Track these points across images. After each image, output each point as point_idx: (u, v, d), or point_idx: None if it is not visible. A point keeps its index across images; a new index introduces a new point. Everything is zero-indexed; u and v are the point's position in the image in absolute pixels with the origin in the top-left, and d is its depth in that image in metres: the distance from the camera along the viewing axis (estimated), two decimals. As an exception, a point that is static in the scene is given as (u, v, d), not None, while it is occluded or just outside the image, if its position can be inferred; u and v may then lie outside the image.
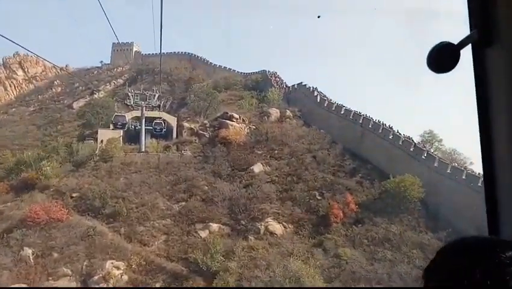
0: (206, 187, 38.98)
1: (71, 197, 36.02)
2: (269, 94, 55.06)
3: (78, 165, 42.47)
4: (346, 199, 35.05)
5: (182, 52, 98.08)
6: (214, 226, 35.12)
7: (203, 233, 34.68)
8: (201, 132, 46.84)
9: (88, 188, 36.59)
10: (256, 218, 35.28)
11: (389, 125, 44.08)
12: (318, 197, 37.15)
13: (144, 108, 46.00)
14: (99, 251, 30.93)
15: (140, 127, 47.94)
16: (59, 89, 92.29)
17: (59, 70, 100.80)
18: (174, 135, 53.30)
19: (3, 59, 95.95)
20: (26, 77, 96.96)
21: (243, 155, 43.03)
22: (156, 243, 33.76)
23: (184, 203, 37.39)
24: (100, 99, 79.60)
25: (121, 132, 56.04)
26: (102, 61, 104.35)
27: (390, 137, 40.78)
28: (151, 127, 53.08)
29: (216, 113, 52.21)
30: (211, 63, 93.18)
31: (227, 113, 48.08)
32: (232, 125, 46.16)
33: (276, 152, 43.38)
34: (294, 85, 56.24)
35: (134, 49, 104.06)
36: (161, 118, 55.19)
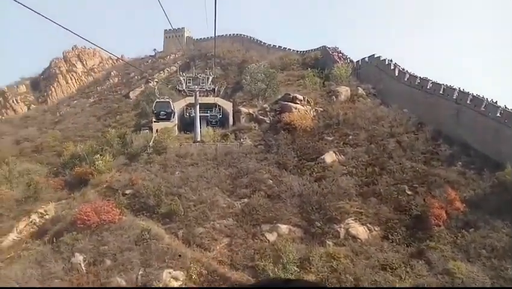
0: (271, 181, 33.63)
1: (124, 195, 32.48)
2: (335, 71, 48.04)
3: (131, 158, 39.10)
4: (448, 195, 27.69)
5: (234, 34, 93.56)
6: (283, 228, 29.74)
7: (271, 236, 29.46)
8: (261, 117, 41.38)
9: (142, 184, 32.78)
10: (334, 218, 29.29)
11: (492, 100, 35.41)
12: (409, 192, 30.21)
13: (197, 92, 41.35)
14: (155, 258, 26.94)
15: (194, 114, 43.54)
16: (116, 79, 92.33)
17: (115, 61, 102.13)
18: (231, 122, 48.61)
19: (63, 52, 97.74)
20: (85, 70, 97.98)
21: (311, 142, 36.94)
22: (217, 247, 29.15)
23: (246, 200, 32.40)
24: (154, 87, 77.88)
25: (176, 120, 52.67)
26: (155, 49, 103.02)
27: (498, 115, 32.35)
28: (206, 114, 48.89)
29: (276, 95, 46.44)
30: (264, 43, 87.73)
31: (289, 94, 42.01)
32: (296, 108, 40.08)
33: (350, 137, 36.74)
34: (364, 59, 48.51)
35: (186, 35, 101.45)
36: (216, 104, 50.77)
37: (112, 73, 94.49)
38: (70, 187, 37.08)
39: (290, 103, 40.59)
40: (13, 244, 30.79)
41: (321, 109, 41.14)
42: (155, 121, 41.24)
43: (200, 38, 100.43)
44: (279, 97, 43.64)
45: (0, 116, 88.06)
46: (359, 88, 42.95)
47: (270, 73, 48.77)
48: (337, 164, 33.89)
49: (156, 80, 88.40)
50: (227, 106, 51.85)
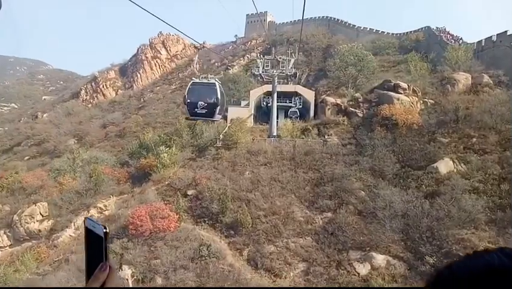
0: (363, 192, 25.95)
1: (186, 196, 27.62)
2: (448, 54, 37.63)
3: (200, 151, 34.33)
4: None
5: (319, 17, 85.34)
6: (380, 259, 22.07)
7: (362, 268, 22.04)
8: (351, 109, 33.39)
9: (206, 184, 27.59)
10: (453, 254, 20.77)
11: None
12: None
13: (276, 78, 34.68)
14: (212, 282, 21.52)
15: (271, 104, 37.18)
16: (197, 66, 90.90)
17: (197, 47, 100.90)
18: (312, 114, 41.31)
19: (149, 39, 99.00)
20: (169, 56, 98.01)
21: (418, 143, 28.13)
22: (291, 274, 22.65)
23: (330, 215, 25.28)
24: (233, 73, 73.86)
25: (252, 109, 47.02)
26: (236, 35, 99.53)
27: None
28: (285, 104, 42.30)
29: (370, 83, 37.87)
30: (353, 26, 77.93)
31: (389, 82, 33.19)
32: (398, 99, 31.26)
33: (474, 140, 27.08)
34: (490, 38, 37.14)
35: (268, 19, 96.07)
36: (296, 92, 43.86)
37: (194, 59, 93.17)
38: (133, 180, 33.55)
39: (390, 93, 31.93)
40: (69, 240, 27.93)
41: (431, 101, 31.72)
42: (188, 118, 27.87)
43: (283, 23, 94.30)
44: (376, 84, 35.08)
45: (92, 100, 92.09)
46: (484, 75, 32.47)
47: (363, 55, 40.13)
48: (456, 176, 24.76)
49: (236, 66, 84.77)
50: (309, 95, 44.49)
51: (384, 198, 24.40)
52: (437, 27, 56.41)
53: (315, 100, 43.39)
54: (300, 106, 44.54)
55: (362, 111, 32.96)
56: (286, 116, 41.35)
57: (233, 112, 47.09)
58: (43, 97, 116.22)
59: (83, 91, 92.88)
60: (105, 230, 0.90)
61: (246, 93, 52.30)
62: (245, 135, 32.74)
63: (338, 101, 35.08)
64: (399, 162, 27.47)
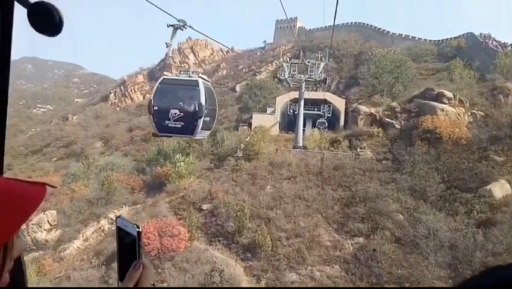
0: (402, 216, 22.30)
1: (200, 210, 24.90)
2: (501, 61, 33.29)
3: (219, 161, 31.66)
4: None
5: (351, 23, 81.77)
6: (422, 298, 18.49)
7: (400, 309, 18.53)
8: (387, 120, 29.74)
9: (223, 199, 24.79)
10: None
11: None
12: None
13: (303, 83, 31.44)
14: (223, 315, 18.65)
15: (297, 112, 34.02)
16: (224, 72, 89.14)
17: (225, 53, 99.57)
18: (342, 124, 37.82)
19: (178, 44, 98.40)
20: (197, 62, 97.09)
21: (467, 162, 24.14)
22: (315, 310, 19.48)
23: (362, 241, 21.79)
24: (260, 79, 71.45)
25: (278, 117, 44.04)
26: (265, 41, 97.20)
27: None
28: (313, 112, 39.04)
29: (408, 91, 34.04)
30: (387, 32, 73.78)
31: (432, 90, 29.30)
32: (442, 110, 27.41)
33: (536, 160, 22.98)
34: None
35: (298, 25, 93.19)
36: (325, 100, 40.50)
37: (221, 65, 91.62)
38: (148, 189, 31.24)
39: (432, 103, 28.06)
40: (76, 253, 25.86)
41: (481, 112, 27.60)
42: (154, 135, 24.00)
43: (313, 29, 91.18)
44: (415, 93, 31.25)
45: (120, 104, 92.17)
46: (544, 84, 28.10)
47: (401, 61, 36.29)
48: (515, 202, 20.81)
49: (263, 73, 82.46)
50: (339, 103, 40.97)
51: (427, 225, 20.69)
52: (481, 34, 51.75)
53: (345, 109, 39.92)
54: (330, 115, 41.09)
55: (400, 122, 29.21)
56: (314, 125, 38.01)
57: (257, 119, 44.29)
58: (76, 100, 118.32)
59: (112, 95, 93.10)
60: (138, 229, 0.90)
61: (273, 100, 49.59)
62: (268, 144, 29.72)
63: (372, 110, 31.46)
64: (444, 182, 23.59)
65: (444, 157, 24.72)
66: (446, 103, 27.69)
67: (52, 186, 0.78)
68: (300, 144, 30.60)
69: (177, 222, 23.31)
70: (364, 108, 32.01)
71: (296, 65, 31.04)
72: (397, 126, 29.07)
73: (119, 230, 0.98)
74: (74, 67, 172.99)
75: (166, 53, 8.98)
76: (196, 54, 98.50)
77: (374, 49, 57.32)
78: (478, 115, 27.37)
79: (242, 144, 30.53)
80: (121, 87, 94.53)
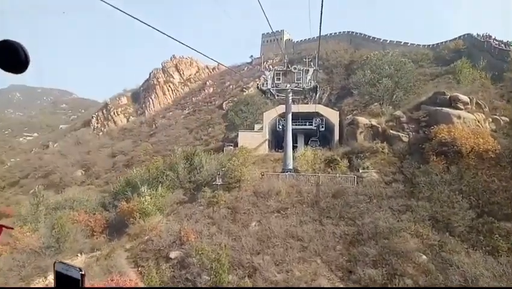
0: (425, 257, 16.92)
1: (168, 260, 19.30)
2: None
3: (193, 191, 26.19)
4: None
5: (339, 32, 78.21)
6: None
7: None
8: (392, 132, 24.58)
9: (195, 243, 19.24)
10: None
11: None
12: None
13: (289, 94, 26.14)
14: None
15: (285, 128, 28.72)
16: (211, 89, 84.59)
17: (211, 70, 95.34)
18: (337, 138, 32.82)
19: (161, 63, 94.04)
20: (182, 80, 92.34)
21: (498, 180, 19.03)
22: None
23: (376, 293, 16.41)
24: (246, 95, 66.83)
25: (266, 134, 39.08)
26: (252, 56, 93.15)
27: None
28: (304, 128, 34.04)
29: (413, 97, 29.11)
30: (378, 39, 70.28)
31: (443, 94, 24.16)
32: (459, 116, 22.37)
33: None
34: None
35: (285, 37, 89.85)
36: (317, 113, 35.59)
37: (207, 82, 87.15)
38: (111, 230, 25.45)
39: (445, 109, 23.01)
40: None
41: (505, 118, 22.62)
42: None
43: (301, 40, 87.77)
44: (423, 98, 26.24)
45: (103, 128, 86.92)
46: None
47: (401, 64, 31.45)
48: None
49: (251, 88, 77.99)
50: (333, 116, 36.07)
51: (461, 269, 15.28)
52: (478, 34, 48.08)
53: (340, 121, 35.00)
54: (323, 129, 36.07)
55: (408, 134, 24.03)
56: (307, 142, 32.86)
57: (244, 137, 39.42)
58: (60, 126, 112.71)
59: (94, 119, 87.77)
60: (81, 272, 0.88)
61: (261, 116, 44.83)
62: (252, 169, 24.24)
63: (373, 122, 26.27)
64: (473, 208, 18.28)
65: (469, 175, 19.48)
66: (461, 109, 22.66)
67: (9, 228, 0.66)
68: (290, 167, 25.15)
69: (138, 277, 17.64)
70: (363, 120, 26.83)
71: (280, 73, 25.96)
72: (405, 139, 23.88)
73: (58, 275, 0.89)
74: (63, 93, 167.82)
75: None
76: (181, 72, 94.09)
77: (366, 58, 53.16)
78: (502, 122, 22.32)
79: (220, 171, 25.03)
80: (104, 110, 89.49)
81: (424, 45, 59.35)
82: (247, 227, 20.14)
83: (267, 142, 38.86)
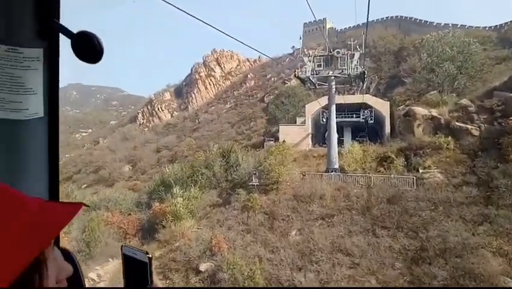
0: (514, 283, 13.21)
1: (197, 273, 17.00)
2: None
3: (230, 191, 23.75)
4: None
5: (387, 18, 72.45)
6: None
7: None
8: (459, 124, 20.37)
9: (227, 255, 16.77)
10: None
11: None
12: None
13: (333, 82, 22.47)
14: None
15: (328, 121, 25.27)
16: (252, 82, 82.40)
17: (252, 63, 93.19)
18: (388, 131, 28.87)
19: (203, 57, 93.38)
20: (223, 74, 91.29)
21: None
22: None
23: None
24: (287, 87, 63.55)
25: (309, 128, 35.95)
26: (293, 46, 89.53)
27: None
28: (350, 120, 30.45)
29: (481, 83, 24.42)
30: (430, 23, 63.91)
31: (526, 77, 19.70)
32: (549, 104, 17.83)
33: None
34: None
35: (328, 26, 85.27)
36: (364, 104, 31.72)
37: (249, 75, 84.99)
38: (145, 233, 23.81)
39: (529, 95, 18.53)
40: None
41: None
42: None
43: (345, 28, 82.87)
44: (496, 84, 21.64)
45: (148, 123, 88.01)
46: None
47: (464, 45, 26.63)
48: None
49: (293, 80, 74.51)
50: (383, 107, 31.96)
51: None
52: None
53: (391, 113, 30.91)
54: (372, 122, 32.14)
55: (479, 126, 19.73)
56: (354, 137, 29.24)
57: (285, 132, 36.63)
58: (111, 122, 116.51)
59: (140, 115, 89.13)
60: (148, 255, 0.89)
61: (303, 109, 41.72)
62: (290, 169, 21.23)
63: (434, 113, 22.09)
64: None
65: None
66: (552, 94, 18.01)
67: (87, 206, 0.81)
68: (336, 166, 21.79)
69: (163, 294, 15.53)
70: (421, 110, 22.68)
71: (322, 60, 22.43)
72: (475, 133, 19.59)
73: (127, 258, 0.91)
74: (115, 90, 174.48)
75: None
76: (222, 66, 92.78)
77: (418, 44, 47.85)
78: None
79: (258, 169, 22.31)
80: (149, 106, 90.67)
81: (485, 27, 52.57)
82: (287, 237, 17.29)
83: (310, 136, 35.75)
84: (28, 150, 0.92)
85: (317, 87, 23.88)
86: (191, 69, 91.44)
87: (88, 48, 0.79)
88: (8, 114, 0.86)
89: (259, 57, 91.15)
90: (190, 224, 20.49)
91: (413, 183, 18.22)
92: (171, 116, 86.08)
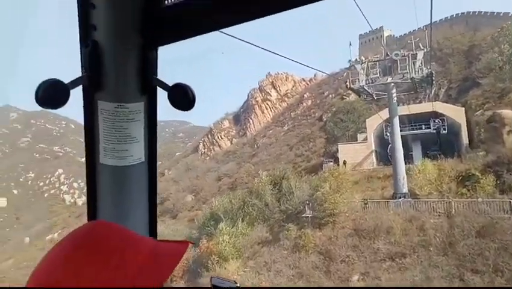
0: None
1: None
2: None
3: (283, 222, 21.06)
4: None
5: (451, 16, 66.21)
6: None
7: None
8: None
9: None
10: None
11: None
12: None
13: (393, 91, 18.79)
14: None
15: (391, 135, 21.59)
16: (309, 102, 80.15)
17: (308, 82, 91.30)
18: (465, 142, 24.23)
19: (258, 82, 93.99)
20: (279, 96, 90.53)
21: None
22: None
23: None
24: (345, 102, 59.86)
25: (372, 145, 32.44)
26: (350, 60, 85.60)
27: None
28: (419, 132, 26.38)
29: None
30: (505, 14, 56.28)
31: None
32: None
33: None
34: None
35: (385, 34, 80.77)
36: (434, 113, 27.36)
37: (305, 95, 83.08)
38: (191, 275, 21.95)
39: None
40: None
41: None
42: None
43: (404, 34, 77.46)
44: None
45: (209, 152, 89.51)
46: None
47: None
48: None
49: (352, 95, 70.49)
50: (457, 114, 27.39)
51: None
52: None
53: (466, 120, 26.21)
54: (445, 132, 27.54)
55: None
56: (425, 152, 25.05)
57: (345, 151, 33.58)
58: (176, 153, 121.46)
59: (201, 144, 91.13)
60: (236, 284, 0.98)
61: (364, 124, 38.19)
62: (348, 197, 17.95)
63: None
64: None
65: None
66: None
67: (192, 243, 0.86)
68: (405, 190, 17.97)
69: None
70: (510, 113, 18.14)
71: (377, 64, 19.14)
72: None
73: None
74: (181, 123, 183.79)
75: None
76: (278, 89, 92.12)
77: (490, 39, 41.76)
78: None
79: (311, 199, 19.39)
80: (209, 135, 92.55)
81: None
82: (347, 283, 14.01)
83: (373, 154, 32.04)
84: (131, 191, 1.02)
85: (375, 97, 20.52)
86: (248, 95, 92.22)
87: (183, 98, 0.87)
88: (117, 161, 0.97)
89: (314, 75, 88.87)
90: (236, 267, 18.18)
91: (510, 209, 13.92)
92: (231, 143, 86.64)
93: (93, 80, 0.91)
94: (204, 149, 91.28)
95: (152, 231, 1.13)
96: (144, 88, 0.95)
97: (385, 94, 20.14)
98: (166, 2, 0.89)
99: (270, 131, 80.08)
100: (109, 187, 1.00)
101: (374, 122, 33.33)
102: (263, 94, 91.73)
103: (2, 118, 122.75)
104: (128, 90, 0.95)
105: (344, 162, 31.75)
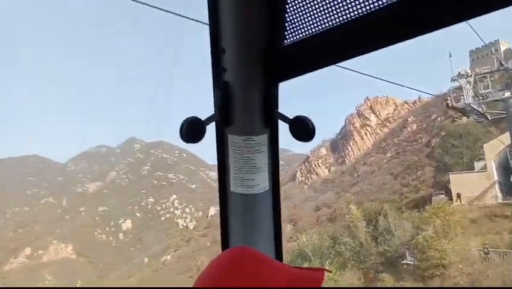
0: None
1: None
2: None
3: (380, 268, 18.05)
4: None
5: None
6: None
7: None
8: None
9: None
10: None
11: None
12: None
13: None
14: None
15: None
16: (414, 126, 73.26)
17: (411, 105, 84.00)
18: None
19: (356, 107, 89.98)
20: (379, 121, 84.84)
21: None
22: None
23: None
24: (457, 125, 52.09)
25: (494, 174, 27.21)
26: (452, 77, 76.15)
27: None
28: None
29: None
30: None
31: None
32: None
33: None
34: None
35: (503, 48, 69.53)
36: None
37: (409, 119, 76.26)
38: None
39: None
40: None
41: None
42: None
43: (524, 47, 65.76)
44: None
45: (307, 180, 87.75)
46: None
47: None
48: None
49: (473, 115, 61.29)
50: None
51: None
52: None
53: None
54: None
55: None
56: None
57: (459, 181, 28.87)
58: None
59: (298, 173, 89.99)
60: None
61: (482, 150, 32.42)
62: (459, 242, 14.24)
63: None
64: None
65: None
66: None
67: (328, 271, 0.84)
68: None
69: None
70: None
71: (488, 76, 15.30)
72: None
73: None
74: (282, 151, 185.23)
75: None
76: (377, 113, 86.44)
77: None
78: None
79: (412, 242, 16.14)
80: (306, 163, 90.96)
81: None
82: None
83: (496, 185, 26.51)
84: (259, 217, 1.11)
85: (489, 117, 16.53)
86: (345, 121, 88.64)
87: (303, 130, 0.92)
88: (245, 190, 1.05)
89: (419, 97, 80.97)
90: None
91: None
92: (329, 171, 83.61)
93: (224, 117, 0.99)
94: (301, 177, 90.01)
95: (278, 256, 1.15)
96: (267, 121, 1.00)
97: (503, 113, 16.04)
98: (286, 41, 0.93)
99: (371, 158, 75.27)
100: (239, 214, 1.09)
101: (495, 148, 27.89)
102: (361, 119, 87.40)
103: (128, 149, 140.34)
104: (254, 124, 1.01)
105: (458, 196, 26.84)
